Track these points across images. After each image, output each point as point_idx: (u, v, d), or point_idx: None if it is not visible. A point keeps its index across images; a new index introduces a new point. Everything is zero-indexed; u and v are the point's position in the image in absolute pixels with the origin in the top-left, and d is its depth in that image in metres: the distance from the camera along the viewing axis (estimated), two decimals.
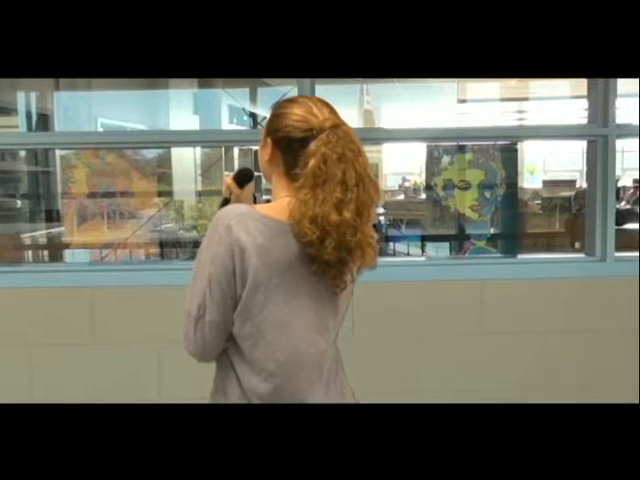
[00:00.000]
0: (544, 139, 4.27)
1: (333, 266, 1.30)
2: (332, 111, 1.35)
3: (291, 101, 1.39)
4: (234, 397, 1.36)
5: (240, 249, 1.27)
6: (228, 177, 1.57)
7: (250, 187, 1.58)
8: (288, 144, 1.34)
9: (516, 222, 3.79)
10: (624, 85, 2.91)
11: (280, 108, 1.38)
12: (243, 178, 1.57)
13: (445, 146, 3.30)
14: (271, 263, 1.29)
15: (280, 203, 1.35)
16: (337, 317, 1.42)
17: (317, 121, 1.31)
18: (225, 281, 1.29)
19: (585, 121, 3.01)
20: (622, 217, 4.69)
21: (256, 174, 1.61)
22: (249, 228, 1.28)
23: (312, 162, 1.27)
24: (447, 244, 4.22)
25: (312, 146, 1.29)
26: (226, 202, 1.57)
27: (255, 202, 1.59)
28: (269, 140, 1.37)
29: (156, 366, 2.79)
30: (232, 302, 1.31)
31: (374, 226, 1.36)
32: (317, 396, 1.37)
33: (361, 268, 1.36)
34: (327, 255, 1.27)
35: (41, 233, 4.28)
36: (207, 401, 1.42)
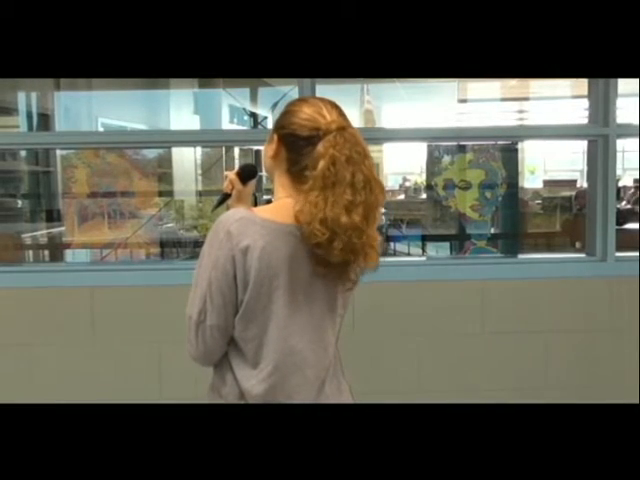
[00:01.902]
0: (544, 139, 4.27)
1: (336, 268, 1.31)
2: (341, 114, 1.36)
3: (302, 100, 1.41)
4: (230, 397, 1.36)
5: (241, 253, 1.28)
6: (231, 172, 1.55)
7: (253, 184, 1.56)
8: (294, 141, 1.34)
9: (516, 222, 3.79)
10: (624, 85, 2.91)
11: (290, 106, 1.39)
12: (247, 174, 1.54)
13: (445, 146, 3.30)
14: (273, 265, 1.30)
15: (280, 204, 1.35)
16: (336, 318, 1.42)
17: (324, 122, 1.32)
18: (226, 286, 1.30)
19: (585, 121, 3.01)
20: (622, 217, 4.69)
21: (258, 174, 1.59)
22: (249, 232, 1.29)
23: (321, 164, 1.28)
24: (447, 244, 4.23)
25: (320, 148, 1.29)
26: (225, 198, 1.54)
27: (256, 202, 1.58)
28: (275, 136, 1.38)
29: (156, 366, 2.79)
30: (233, 307, 1.32)
31: (379, 228, 1.36)
32: (312, 396, 1.37)
33: (363, 269, 1.36)
34: (334, 257, 1.28)
35: (42, 233, 4.27)
36: (206, 401, 1.42)
